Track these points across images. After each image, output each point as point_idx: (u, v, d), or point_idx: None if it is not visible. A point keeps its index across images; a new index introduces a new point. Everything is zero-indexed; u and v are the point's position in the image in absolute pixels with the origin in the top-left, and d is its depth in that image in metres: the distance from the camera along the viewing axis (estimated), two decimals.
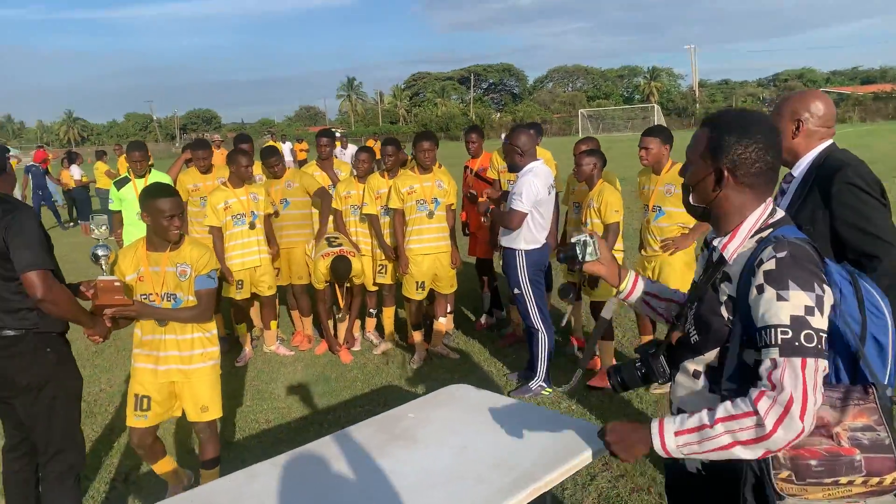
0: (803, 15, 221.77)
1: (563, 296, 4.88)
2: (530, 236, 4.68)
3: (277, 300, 6.11)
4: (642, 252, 4.93)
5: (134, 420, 3.33)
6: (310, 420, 4.72)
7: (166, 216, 3.11)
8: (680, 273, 4.60)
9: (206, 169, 6.14)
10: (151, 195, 3.14)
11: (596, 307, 5.00)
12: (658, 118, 57.92)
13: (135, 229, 5.78)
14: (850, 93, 61.03)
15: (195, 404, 3.40)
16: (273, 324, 6.09)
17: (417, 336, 5.70)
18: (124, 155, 11.65)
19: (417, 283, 5.51)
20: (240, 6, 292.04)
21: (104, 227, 3.20)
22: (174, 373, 3.33)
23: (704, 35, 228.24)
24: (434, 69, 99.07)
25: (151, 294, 3.23)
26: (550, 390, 4.83)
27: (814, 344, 1.47)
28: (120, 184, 5.99)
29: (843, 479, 1.51)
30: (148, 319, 3.26)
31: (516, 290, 4.77)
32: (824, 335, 1.50)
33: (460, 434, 2.65)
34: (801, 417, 1.44)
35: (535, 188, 4.57)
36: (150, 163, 6.09)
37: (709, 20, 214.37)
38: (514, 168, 4.75)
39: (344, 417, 4.67)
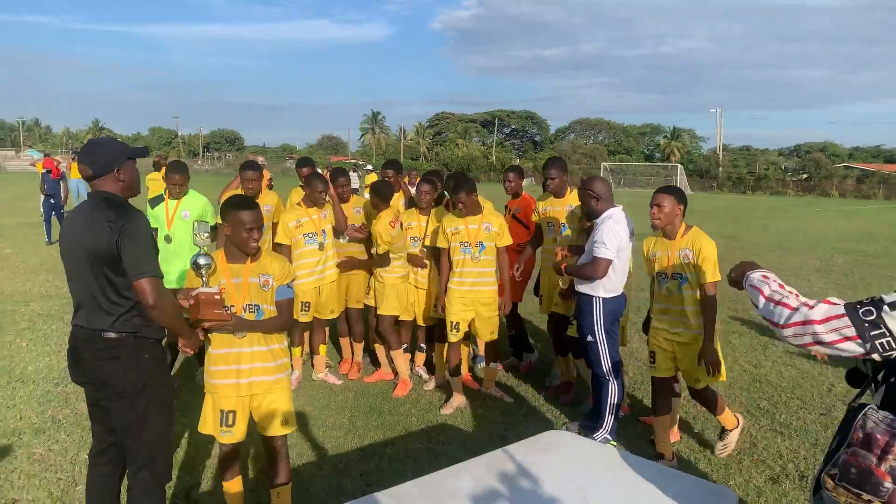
0: (828, 89, 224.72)
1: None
2: (610, 284, 4.57)
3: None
4: (656, 327, 4.50)
5: (221, 436, 3.28)
6: (367, 452, 4.59)
7: (247, 228, 3.10)
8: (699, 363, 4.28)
9: (255, 193, 5.74)
10: (234, 206, 3.12)
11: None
12: (681, 178, 58.10)
13: (161, 251, 5.49)
14: (874, 170, 61.30)
15: (277, 416, 3.31)
16: (322, 348, 5.98)
17: (454, 382, 5.43)
18: (159, 173, 11.58)
19: (451, 323, 5.31)
20: (271, 32, 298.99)
21: (206, 235, 3.15)
22: (257, 385, 3.25)
23: (727, 100, 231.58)
24: (457, 110, 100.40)
25: (234, 306, 3.17)
26: (615, 444, 4.69)
27: None
28: (154, 202, 5.58)
29: (865, 497, 1.75)
30: (238, 331, 3.18)
31: (589, 338, 4.64)
32: None
33: (575, 483, 2.54)
34: None
35: (618, 234, 4.49)
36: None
37: (732, 86, 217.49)
38: (591, 215, 4.68)
39: (403, 452, 4.56)
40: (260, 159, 16.68)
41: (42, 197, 14.60)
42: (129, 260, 2.67)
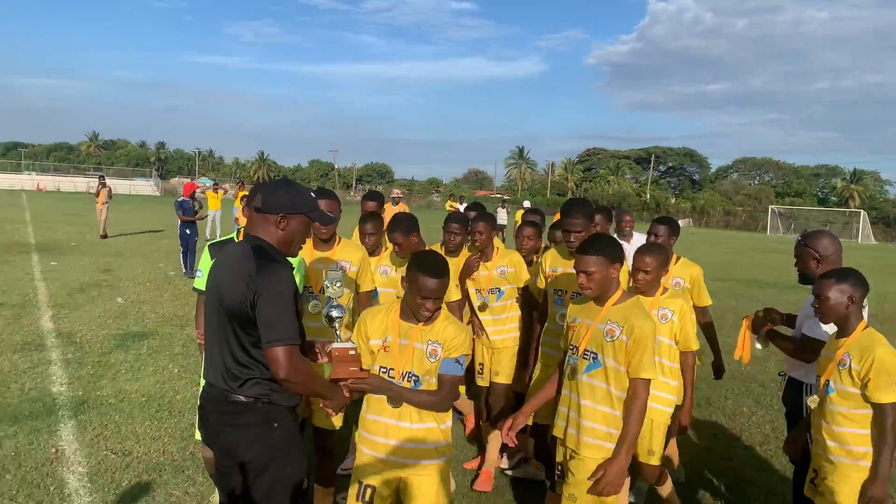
0: None
1: None
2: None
3: None
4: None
5: None
6: None
7: (422, 295, 2.74)
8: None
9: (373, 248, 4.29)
10: (417, 266, 2.77)
11: None
12: (863, 225, 51.99)
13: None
14: None
15: None
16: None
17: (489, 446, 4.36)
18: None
19: (479, 364, 4.53)
20: (426, 70, 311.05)
21: (338, 284, 2.81)
22: (400, 466, 2.85)
23: None
24: (609, 146, 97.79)
25: (393, 369, 2.84)
26: None
27: None
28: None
29: None
30: (380, 395, 2.84)
31: None
32: None
33: None
34: None
35: None
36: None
37: None
38: (806, 279, 3.52)
39: None
40: (396, 192, 15.58)
41: (178, 222, 13.25)
42: (264, 323, 2.40)
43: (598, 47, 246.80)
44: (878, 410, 2.85)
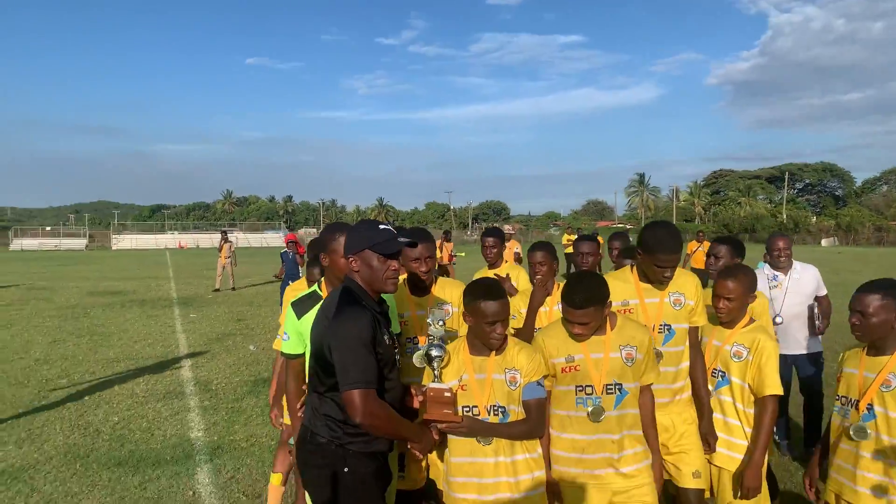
0: None
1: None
2: None
3: None
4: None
5: None
6: None
7: (489, 321, 2.70)
8: None
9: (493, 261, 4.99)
10: (474, 295, 2.75)
11: None
12: None
13: None
14: None
15: None
16: None
17: None
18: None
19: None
20: (536, 106, 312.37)
21: (441, 324, 2.74)
22: (503, 502, 2.74)
23: None
24: (736, 167, 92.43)
25: (476, 406, 2.79)
26: None
27: None
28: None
29: None
30: (473, 437, 2.77)
31: None
32: None
33: None
34: None
35: None
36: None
37: None
38: None
39: None
40: (507, 228, 15.19)
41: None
42: (339, 367, 2.44)
43: (717, 66, 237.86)
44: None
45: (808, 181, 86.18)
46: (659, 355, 3.14)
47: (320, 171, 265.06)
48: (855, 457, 2.81)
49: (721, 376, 3.27)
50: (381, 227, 2.65)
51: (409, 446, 2.73)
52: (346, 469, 2.54)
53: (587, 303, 2.74)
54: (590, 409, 2.84)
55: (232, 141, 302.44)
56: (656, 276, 3.19)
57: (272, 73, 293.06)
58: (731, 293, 3.23)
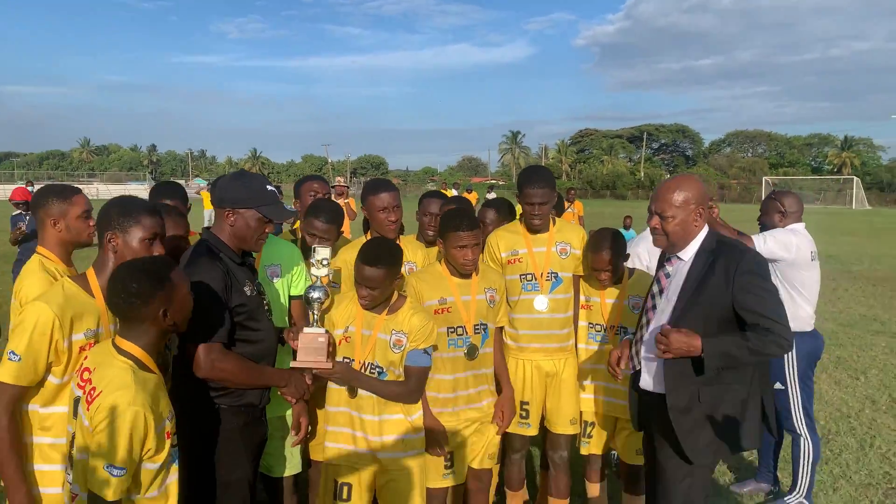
0: None
1: None
2: (800, 312, 3.86)
3: None
4: None
5: None
6: None
7: (357, 281, 2.71)
8: None
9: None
10: (360, 255, 2.70)
11: None
12: (857, 191, 52.11)
13: None
14: None
15: None
16: None
17: None
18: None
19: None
20: (413, 59, 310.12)
21: (325, 262, 2.66)
22: (369, 459, 2.78)
23: None
24: (601, 126, 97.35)
25: (353, 360, 2.76)
26: None
27: None
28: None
29: None
30: (346, 386, 2.77)
31: (778, 385, 3.87)
32: None
33: None
34: None
35: (792, 245, 3.89)
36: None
37: None
38: (766, 231, 4.10)
39: None
40: (339, 180, 14.52)
41: None
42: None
43: (585, 28, 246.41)
44: None
45: (663, 141, 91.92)
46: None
47: (188, 119, 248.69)
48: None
49: (624, 333, 3.33)
50: (269, 188, 2.56)
51: (279, 392, 2.66)
52: (213, 425, 2.49)
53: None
54: (465, 348, 3.03)
55: (90, 85, 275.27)
56: (528, 216, 3.32)
57: (135, 11, 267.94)
58: (608, 265, 3.26)
